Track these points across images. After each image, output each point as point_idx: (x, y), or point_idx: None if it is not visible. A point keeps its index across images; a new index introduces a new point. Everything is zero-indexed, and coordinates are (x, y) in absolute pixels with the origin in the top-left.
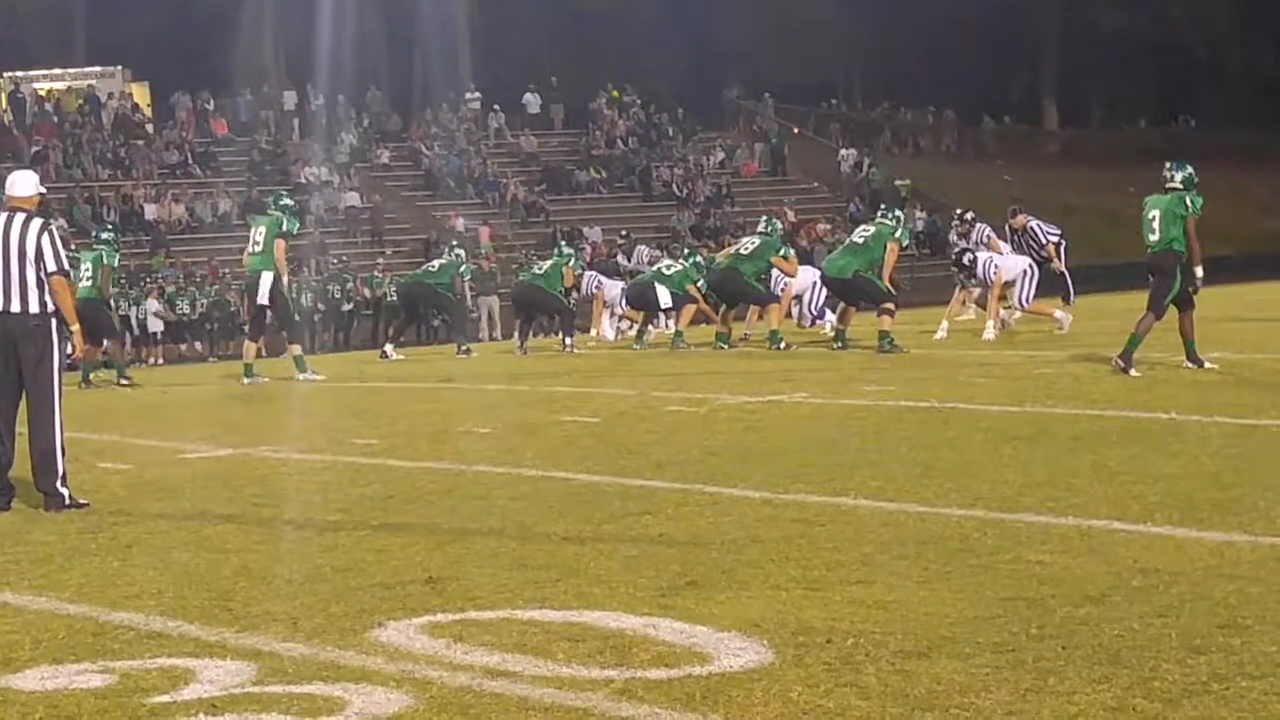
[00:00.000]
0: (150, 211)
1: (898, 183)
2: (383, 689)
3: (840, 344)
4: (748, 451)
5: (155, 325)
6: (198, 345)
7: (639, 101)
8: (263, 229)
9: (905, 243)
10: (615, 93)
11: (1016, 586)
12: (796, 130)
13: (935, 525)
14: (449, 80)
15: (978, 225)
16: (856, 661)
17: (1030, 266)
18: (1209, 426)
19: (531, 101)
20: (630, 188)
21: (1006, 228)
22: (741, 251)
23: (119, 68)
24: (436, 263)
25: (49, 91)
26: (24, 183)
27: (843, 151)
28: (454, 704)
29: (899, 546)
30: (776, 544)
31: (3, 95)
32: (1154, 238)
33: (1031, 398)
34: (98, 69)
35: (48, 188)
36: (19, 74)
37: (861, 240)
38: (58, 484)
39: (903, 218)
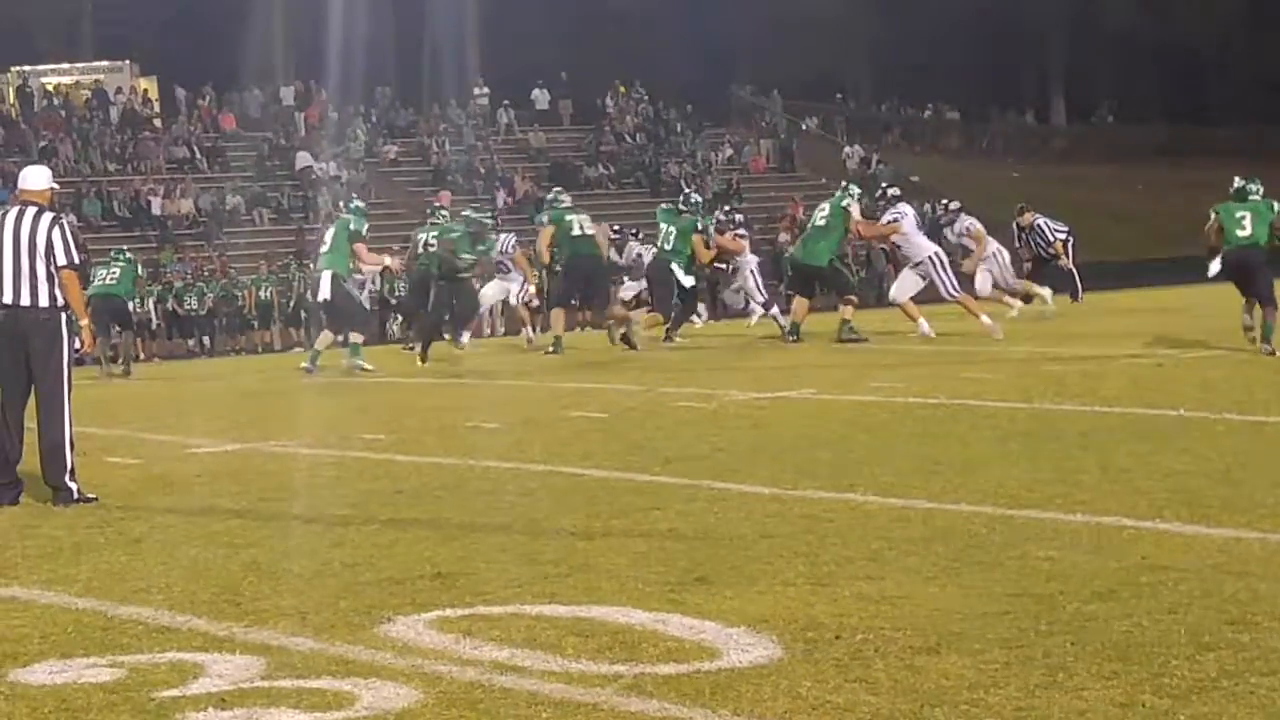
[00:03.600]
0: (158, 206)
1: (906, 179)
2: (392, 684)
3: (795, 337)
4: (756, 447)
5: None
6: (205, 340)
7: (647, 97)
8: (332, 230)
9: (864, 202)
10: (623, 89)
11: (1025, 583)
12: (804, 126)
13: (944, 521)
14: (458, 75)
15: (961, 217)
16: (865, 657)
17: (936, 254)
18: (1217, 423)
19: (540, 97)
20: (638, 184)
21: (1014, 225)
22: (665, 246)
23: (127, 62)
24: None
25: (57, 86)
26: (36, 177)
27: (848, 148)
28: (463, 699)
29: (907, 543)
30: (785, 540)
31: (11, 90)
32: (1244, 234)
33: (1040, 394)
34: (106, 63)
35: (56, 182)
36: (27, 68)
37: (824, 221)
38: (66, 478)
39: (857, 191)
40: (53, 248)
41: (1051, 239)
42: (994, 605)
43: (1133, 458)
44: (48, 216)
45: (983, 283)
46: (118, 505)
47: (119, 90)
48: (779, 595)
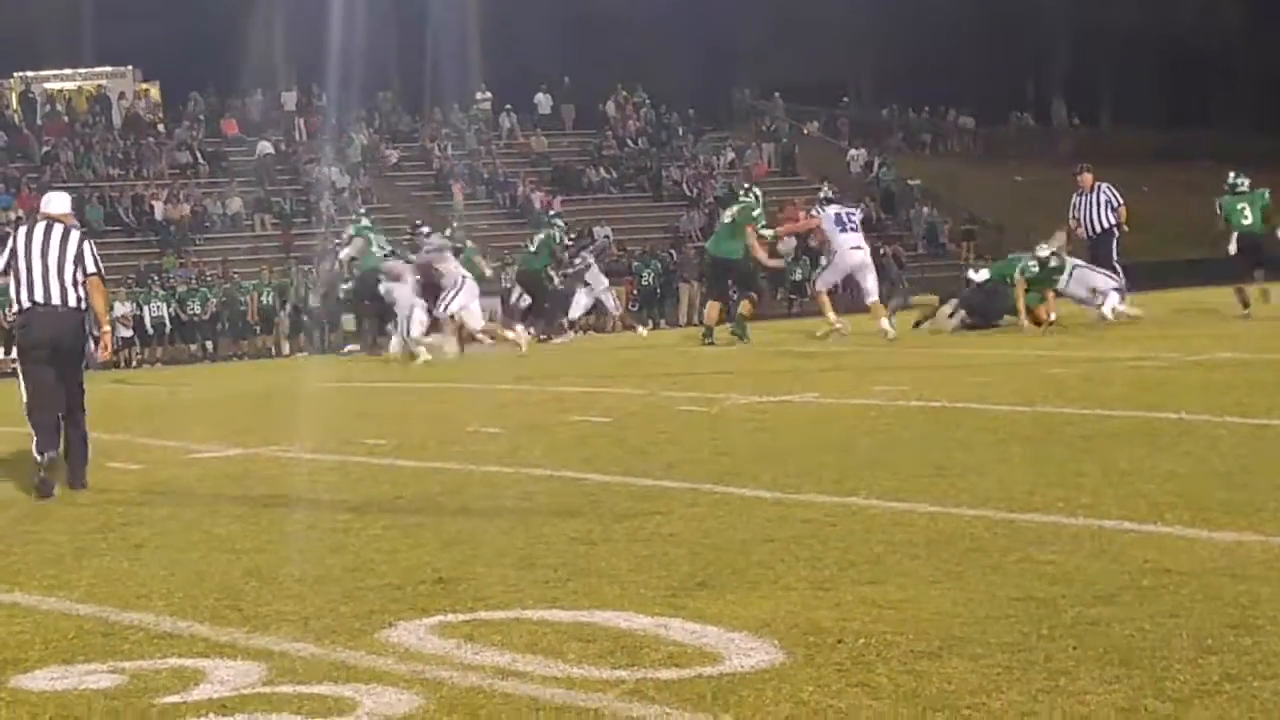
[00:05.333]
0: (160, 211)
1: (910, 183)
2: (393, 689)
3: (710, 340)
4: (759, 451)
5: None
6: (208, 345)
7: (649, 101)
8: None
9: (761, 223)
10: (625, 93)
11: (1027, 586)
12: (806, 130)
13: (946, 525)
14: (460, 80)
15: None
16: (867, 661)
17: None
18: (1219, 427)
19: (543, 101)
20: (641, 188)
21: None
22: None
23: (129, 68)
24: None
25: (59, 92)
26: (60, 202)
27: (852, 151)
28: (464, 704)
29: (910, 546)
30: (787, 544)
31: (14, 95)
32: (1248, 222)
33: (1042, 398)
34: (108, 69)
35: (58, 187)
36: (29, 74)
37: (730, 220)
38: (86, 471)
39: (759, 196)
40: (83, 257)
41: (1117, 204)
42: (996, 609)
43: (1135, 461)
44: (76, 231)
45: None
46: (119, 511)
47: (121, 95)
48: (781, 599)
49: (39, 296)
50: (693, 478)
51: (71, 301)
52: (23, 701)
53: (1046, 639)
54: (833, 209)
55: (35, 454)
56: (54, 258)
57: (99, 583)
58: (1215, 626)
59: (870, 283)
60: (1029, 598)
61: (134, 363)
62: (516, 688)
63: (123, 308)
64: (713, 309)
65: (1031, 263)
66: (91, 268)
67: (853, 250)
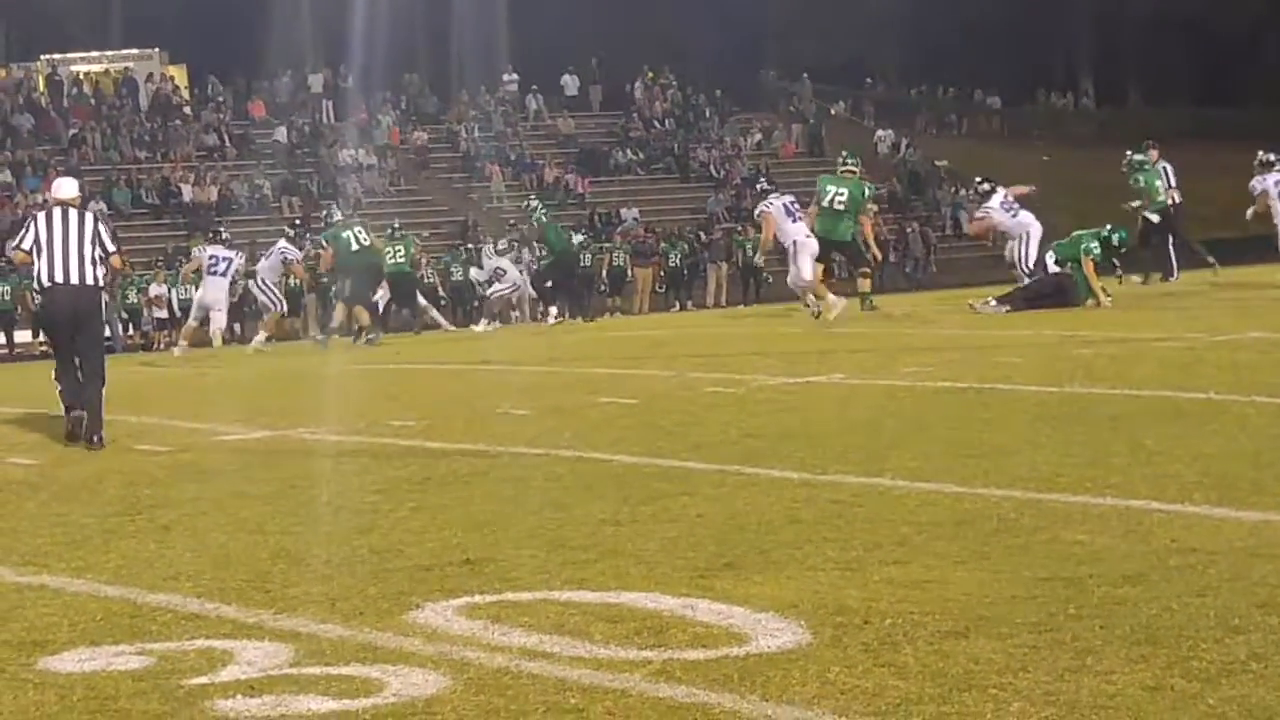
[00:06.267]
0: (187, 193)
1: (936, 163)
2: (420, 670)
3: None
4: (785, 432)
5: (160, 311)
6: (235, 327)
7: (676, 83)
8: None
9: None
10: (652, 74)
11: (1054, 566)
12: (833, 111)
13: (973, 505)
14: (487, 62)
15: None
16: (894, 642)
17: (804, 239)
18: (1247, 406)
19: (569, 83)
20: (668, 169)
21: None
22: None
23: (156, 50)
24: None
25: (86, 74)
26: (69, 187)
27: (879, 132)
28: (492, 685)
29: (936, 527)
30: (814, 525)
31: (41, 78)
32: None
33: (1069, 378)
34: (135, 51)
35: (85, 170)
36: (56, 57)
37: (841, 205)
38: (103, 429)
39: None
40: (100, 237)
41: (1172, 183)
42: (1023, 589)
43: (1162, 441)
44: (90, 214)
45: None
46: (147, 492)
47: (148, 78)
48: (807, 580)
49: (59, 276)
50: (720, 459)
51: (90, 279)
52: (51, 683)
53: (1073, 618)
54: (779, 200)
55: (64, 409)
56: (74, 240)
57: (127, 564)
58: (1242, 606)
59: (808, 265)
60: (1056, 577)
61: (162, 345)
62: (543, 668)
63: (158, 289)
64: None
65: (1094, 243)
66: (111, 247)
67: (806, 239)
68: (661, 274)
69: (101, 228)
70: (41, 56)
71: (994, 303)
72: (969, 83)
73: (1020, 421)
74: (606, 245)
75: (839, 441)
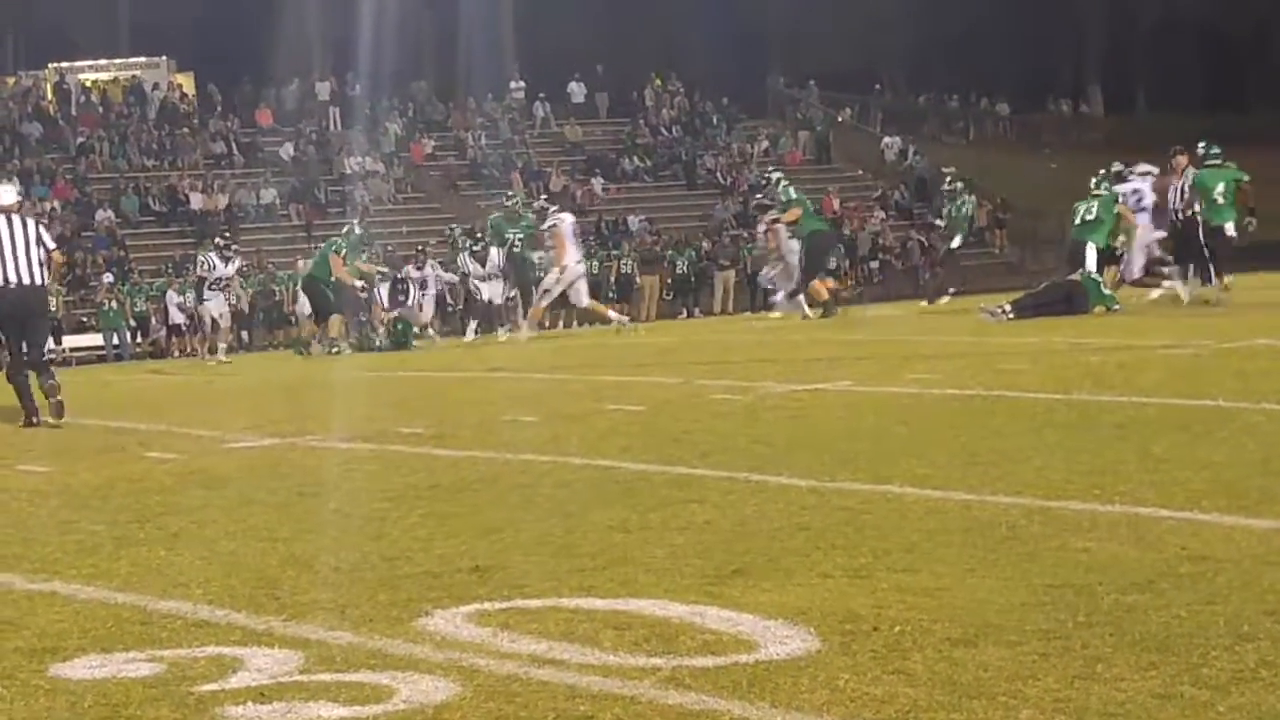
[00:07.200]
0: (196, 201)
1: (944, 170)
2: (430, 677)
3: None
4: (793, 439)
5: (177, 317)
6: (244, 335)
7: (683, 90)
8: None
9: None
10: (659, 81)
11: (1063, 574)
12: (840, 117)
13: (981, 513)
14: (494, 69)
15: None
16: (903, 649)
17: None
18: (1256, 413)
19: (576, 90)
20: (675, 176)
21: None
22: None
23: (164, 58)
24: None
25: (94, 82)
26: (9, 193)
27: (886, 139)
28: (501, 692)
29: (945, 534)
30: (823, 532)
31: (49, 86)
32: None
33: (1077, 385)
34: (143, 59)
35: (93, 177)
36: (65, 65)
37: (1094, 216)
38: (63, 404)
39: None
40: (42, 238)
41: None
42: (1032, 596)
43: (1171, 448)
44: (30, 217)
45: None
46: (156, 500)
47: (156, 86)
48: (816, 587)
49: (11, 277)
50: (728, 466)
51: (37, 279)
52: (62, 690)
53: (1083, 626)
54: (566, 215)
55: (22, 409)
56: (20, 243)
57: (137, 571)
58: (1252, 613)
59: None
60: (1065, 585)
61: (175, 353)
62: (553, 675)
63: (177, 297)
64: (1111, 273)
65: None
66: (52, 245)
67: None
68: (668, 281)
69: (42, 229)
70: (50, 65)
71: (1006, 308)
72: (977, 89)
73: (1027, 429)
74: (615, 253)
75: (847, 448)
